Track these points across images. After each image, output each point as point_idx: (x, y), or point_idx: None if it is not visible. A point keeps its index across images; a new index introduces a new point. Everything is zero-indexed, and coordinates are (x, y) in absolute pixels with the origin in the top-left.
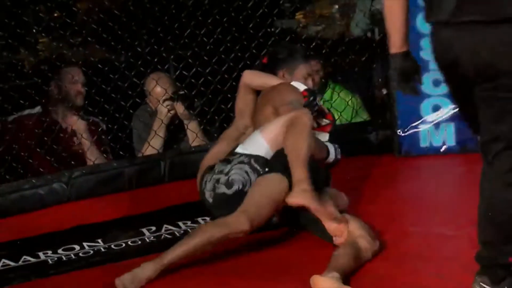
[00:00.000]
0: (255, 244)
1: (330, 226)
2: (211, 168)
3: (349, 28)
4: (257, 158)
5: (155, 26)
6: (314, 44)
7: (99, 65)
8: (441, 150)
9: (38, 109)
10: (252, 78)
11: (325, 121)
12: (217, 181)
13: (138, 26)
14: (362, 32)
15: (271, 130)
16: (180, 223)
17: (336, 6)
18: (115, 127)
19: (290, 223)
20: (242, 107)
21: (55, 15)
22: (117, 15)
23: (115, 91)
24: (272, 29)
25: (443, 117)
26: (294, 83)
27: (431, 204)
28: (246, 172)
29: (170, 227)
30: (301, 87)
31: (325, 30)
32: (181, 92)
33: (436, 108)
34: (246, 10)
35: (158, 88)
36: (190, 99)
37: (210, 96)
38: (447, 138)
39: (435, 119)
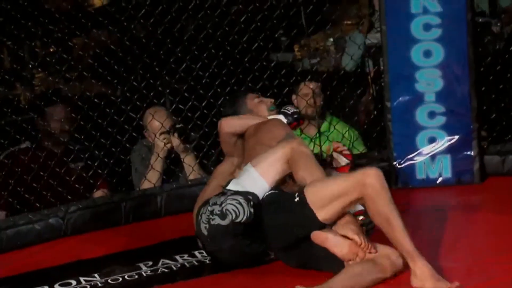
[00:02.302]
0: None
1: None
2: (206, 202)
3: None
4: (251, 194)
5: (151, 60)
6: (309, 77)
7: (95, 100)
8: (437, 182)
9: (26, 144)
10: (230, 125)
11: (344, 161)
12: (211, 212)
13: (134, 61)
14: (355, 65)
15: (267, 164)
16: (177, 257)
17: (331, 39)
18: (112, 161)
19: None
20: (229, 150)
21: (51, 50)
22: (113, 50)
23: (112, 126)
24: (268, 63)
25: (439, 149)
26: (277, 116)
27: (429, 236)
28: (240, 203)
29: (167, 261)
30: (283, 117)
31: (320, 63)
32: (178, 126)
33: (431, 140)
34: (242, 43)
35: (154, 122)
36: (186, 132)
37: (206, 129)
38: (443, 170)
39: (431, 151)
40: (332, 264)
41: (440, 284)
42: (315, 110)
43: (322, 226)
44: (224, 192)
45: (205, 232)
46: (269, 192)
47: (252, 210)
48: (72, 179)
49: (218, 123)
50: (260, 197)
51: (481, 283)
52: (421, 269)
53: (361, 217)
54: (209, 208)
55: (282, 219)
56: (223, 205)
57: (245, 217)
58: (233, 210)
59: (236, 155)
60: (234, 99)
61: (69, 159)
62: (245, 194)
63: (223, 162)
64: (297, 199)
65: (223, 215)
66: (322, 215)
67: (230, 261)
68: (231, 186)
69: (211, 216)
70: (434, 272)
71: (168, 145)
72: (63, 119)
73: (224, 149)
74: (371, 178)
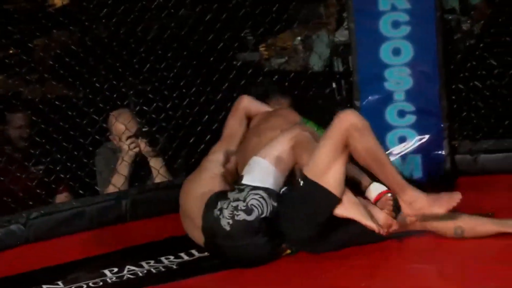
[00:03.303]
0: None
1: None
2: (223, 197)
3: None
4: (270, 188)
5: (114, 61)
6: (276, 77)
7: (57, 102)
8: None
9: None
10: (250, 102)
11: None
12: (236, 208)
13: (97, 62)
14: (323, 64)
15: (276, 154)
16: (143, 263)
17: (299, 38)
18: (74, 165)
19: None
20: (235, 130)
21: (10, 51)
22: (75, 51)
23: (74, 129)
24: (234, 62)
25: (409, 148)
26: None
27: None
28: (263, 198)
29: (132, 267)
30: None
31: (288, 62)
32: (144, 129)
33: (401, 140)
34: (207, 43)
35: (119, 125)
36: (152, 135)
37: (171, 131)
38: (414, 170)
39: (402, 150)
40: (371, 236)
41: (439, 202)
42: None
43: (336, 198)
44: (241, 188)
45: (228, 228)
46: (284, 188)
47: (274, 204)
48: (34, 184)
49: (239, 97)
50: (277, 189)
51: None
52: (415, 197)
53: (389, 195)
54: (232, 203)
55: (300, 210)
56: (247, 201)
57: (269, 212)
58: (258, 205)
59: (235, 141)
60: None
61: (30, 163)
62: (265, 189)
63: (215, 151)
64: (301, 182)
65: (248, 211)
66: (328, 183)
67: (241, 258)
68: (248, 181)
69: (235, 212)
70: (428, 196)
71: (136, 149)
72: (23, 126)
73: (230, 129)
74: (348, 120)
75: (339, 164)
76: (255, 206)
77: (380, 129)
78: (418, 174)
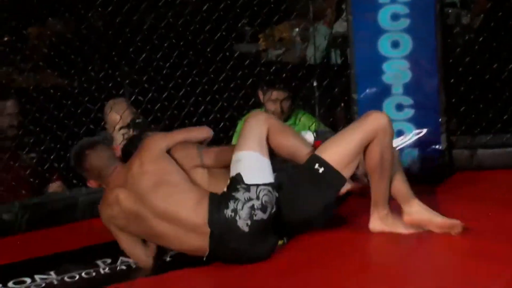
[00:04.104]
0: None
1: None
2: (226, 197)
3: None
4: (270, 181)
5: (109, 50)
6: (273, 68)
7: (51, 91)
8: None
9: None
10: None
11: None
12: (252, 208)
13: (92, 50)
14: (321, 56)
15: (256, 139)
16: None
17: (296, 29)
18: (68, 154)
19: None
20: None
21: (5, 39)
22: (70, 39)
23: (68, 118)
24: (231, 53)
25: (407, 142)
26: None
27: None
28: (270, 192)
29: (126, 259)
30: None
31: (285, 54)
32: (138, 120)
33: (399, 133)
34: (204, 33)
35: (113, 114)
36: (146, 126)
37: (166, 122)
38: (411, 163)
39: (399, 144)
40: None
41: (438, 223)
42: (282, 117)
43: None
44: (247, 188)
45: (246, 229)
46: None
47: (277, 195)
48: (27, 173)
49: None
50: (273, 178)
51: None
52: (417, 208)
53: None
54: (247, 204)
55: (310, 193)
56: (261, 198)
57: (275, 206)
58: (270, 201)
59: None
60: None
61: (23, 152)
62: (270, 184)
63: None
64: (321, 169)
65: (264, 208)
66: (347, 174)
67: (249, 258)
68: (251, 180)
69: (253, 212)
70: (430, 212)
71: None
72: (12, 114)
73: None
74: (383, 121)
75: (359, 159)
76: (268, 202)
77: None
78: (415, 168)
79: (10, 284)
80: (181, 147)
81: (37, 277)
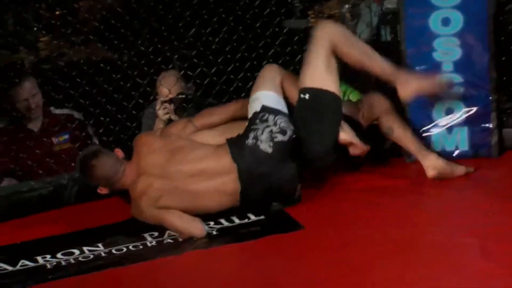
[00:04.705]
0: None
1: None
2: (244, 132)
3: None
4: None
5: (159, 24)
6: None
7: (101, 65)
8: (454, 155)
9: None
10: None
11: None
12: (271, 132)
13: (141, 25)
14: (370, 33)
15: (273, 82)
16: None
17: (346, 6)
18: (117, 128)
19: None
20: None
21: (57, 12)
22: (120, 13)
23: (117, 91)
24: (280, 29)
25: (456, 121)
26: None
27: (442, 209)
28: (287, 121)
29: (173, 232)
30: None
31: None
32: (181, 95)
33: (448, 112)
34: (254, 8)
35: (162, 88)
36: (183, 103)
37: (213, 97)
38: (460, 142)
39: (448, 123)
40: None
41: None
42: None
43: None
44: (264, 118)
45: (269, 150)
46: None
47: (292, 127)
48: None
49: None
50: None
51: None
52: (407, 78)
53: None
54: (266, 129)
55: (315, 123)
56: (278, 123)
57: (294, 132)
58: (287, 126)
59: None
60: None
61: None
62: (285, 114)
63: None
64: (307, 96)
65: (283, 132)
66: (331, 87)
67: (278, 186)
68: (267, 103)
69: (273, 135)
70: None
71: (167, 116)
72: (29, 97)
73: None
74: (327, 28)
75: (334, 70)
76: (286, 127)
77: (427, 100)
78: (464, 146)
79: (59, 255)
80: (170, 126)
81: (85, 248)
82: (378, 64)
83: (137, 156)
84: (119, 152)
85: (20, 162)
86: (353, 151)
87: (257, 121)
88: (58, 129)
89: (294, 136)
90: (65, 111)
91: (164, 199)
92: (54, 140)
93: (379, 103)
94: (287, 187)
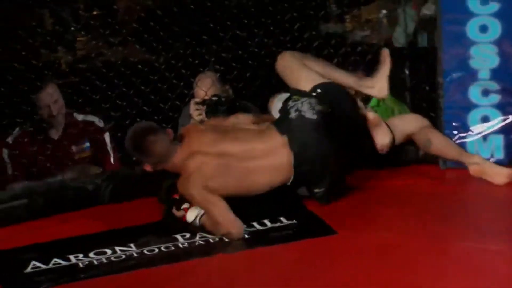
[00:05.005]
0: None
1: None
2: (284, 112)
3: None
4: None
5: (197, 27)
6: (359, 49)
7: (138, 66)
8: None
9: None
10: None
11: None
12: (310, 103)
13: (180, 27)
14: (407, 39)
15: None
16: None
17: (384, 11)
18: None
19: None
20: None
21: (95, 13)
22: (158, 15)
23: (154, 93)
24: (317, 33)
25: (492, 128)
26: None
27: (476, 218)
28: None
29: (204, 234)
30: None
31: (371, 35)
32: (214, 98)
33: (484, 119)
34: (291, 12)
35: (198, 89)
36: (214, 106)
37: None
38: (495, 150)
39: (483, 130)
40: None
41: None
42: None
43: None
44: (296, 99)
45: (314, 116)
46: None
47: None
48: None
49: None
50: None
51: None
52: (372, 83)
53: None
54: (305, 102)
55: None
56: (312, 98)
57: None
58: (320, 102)
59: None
60: None
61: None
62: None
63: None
64: (318, 91)
65: (320, 102)
66: (304, 86)
67: (325, 157)
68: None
69: (313, 105)
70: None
71: (200, 117)
72: (51, 103)
73: None
74: (286, 55)
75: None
76: (319, 103)
77: (463, 107)
78: (499, 155)
79: (91, 254)
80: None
81: (117, 248)
82: (343, 74)
83: (188, 138)
84: (170, 132)
85: (38, 167)
86: (379, 136)
87: (290, 102)
88: (79, 137)
89: (330, 110)
90: (89, 117)
91: (215, 180)
92: (74, 148)
93: (413, 121)
94: (331, 155)
